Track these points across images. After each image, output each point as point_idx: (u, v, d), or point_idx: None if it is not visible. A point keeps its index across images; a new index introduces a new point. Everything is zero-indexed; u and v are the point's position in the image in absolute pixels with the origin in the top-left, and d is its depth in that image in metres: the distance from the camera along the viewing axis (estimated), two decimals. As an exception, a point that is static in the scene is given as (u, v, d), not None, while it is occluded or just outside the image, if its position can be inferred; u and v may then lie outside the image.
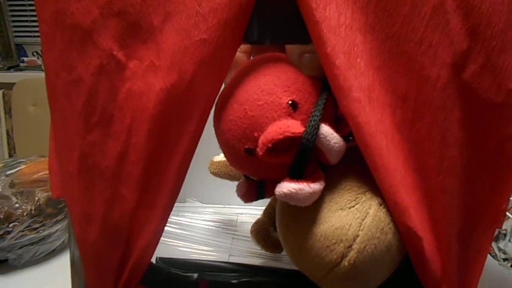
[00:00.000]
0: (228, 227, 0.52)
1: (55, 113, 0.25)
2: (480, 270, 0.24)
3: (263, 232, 0.39)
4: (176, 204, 0.25)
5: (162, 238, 0.25)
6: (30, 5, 1.92)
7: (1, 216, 0.48)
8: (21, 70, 1.91)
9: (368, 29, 0.21)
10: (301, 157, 0.23)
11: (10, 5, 1.93)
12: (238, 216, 0.56)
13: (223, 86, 0.25)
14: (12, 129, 1.43)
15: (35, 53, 2.02)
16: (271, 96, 0.23)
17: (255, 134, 0.23)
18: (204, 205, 0.60)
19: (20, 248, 0.50)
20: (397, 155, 0.22)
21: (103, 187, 0.24)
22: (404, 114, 0.21)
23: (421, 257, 0.23)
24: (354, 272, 0.23)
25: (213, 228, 0.52)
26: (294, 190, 0.23)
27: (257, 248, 0.41)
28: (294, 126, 0.22)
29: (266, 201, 0.42)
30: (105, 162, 0.23)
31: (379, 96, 0.21)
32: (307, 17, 0.21)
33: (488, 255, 0.24)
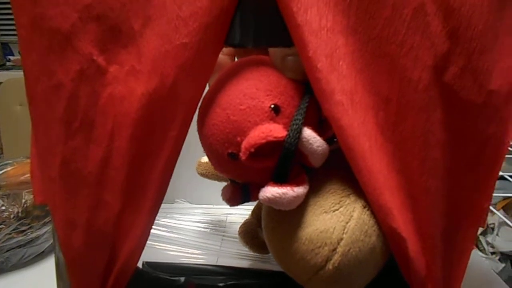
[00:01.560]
0: (217, 228, 0.52)
1: (36, 118, 0.25)
2: (464, 268, 0.25)
3: (251, 233, 0.39)
4: (164, 205, 0.25)
5: (150, 242, 0.25)
6: (15, 2, 1.89)
7: (-13, 220, 0.47)
8: (7, 69, 1.88)
9: (350, 32, 0.21)
10: (284, 161, 0.23)
11: (-5, 4, 1.90)
12: (227, 216, 0.56)
13: (206, 88, 0.25)
14: (-1, 129, 1.41)
15: (21, 52, 2.00)
16: (253, 100, 0.23)
17: (238, 139, 0.23)
18: (193, 205, 0.59)
19: (8, 251, 0.49)
20: (380, 157, 0.22)
21: (86, 193, 0.24)
22: (387, 116, 0.21)
23: (405, 258, 0.23)
24: (339, 275, 0.23)
25: (202, 229, 0.52)
26: (277, 195, 0.23)
27: (246, 250, 0.41)
28: (276, 130, 0.22)
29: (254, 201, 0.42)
30: (87, 167, 0.23)
31: (362, 99, 0.21)
32: (289, 21, 0.21)
33: (473, 252, 0.25)
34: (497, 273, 0.46)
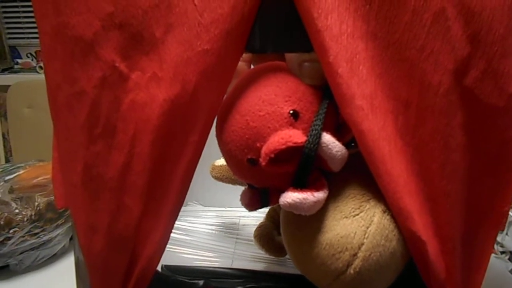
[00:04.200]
0: (230, 230, 0.52)
1: (58, 124, 0.25)
2: (484, 271, 0.25)
3: (267, 236, 0.39)
4: (178, 208, 0.25)
5: (166, 245, 0.25)
6: (23, 6, 1.90)
7: (1, 222, 0.48)
8: (15, 72, 1.90)
9: (370, 37, 0.21)
10: (303, 166, 0.23)
11: (3, 7, 1.92)
12: (240, 219, 0.56)
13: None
14: (8, 132, 1.42)
15: (29, 55, 2.01)
16: (272, 106, 0.23)
17: (258, 145, 0.23)
18: (206, 208, 0.60)
19: (21, 253, 0.50)
20: (400, 161, 0.22)
21: (108, 198, 0.24)
22: (407, 120, 0.22)
23: (425, 261, 0.23)
24: (360, 280, 0.23)
25: (216, 232, 0.52)
26: (298, 200, 0.23)
27: (260, 252, 0.41)
28: (296, 136, 0.22)
29: (268, 204, 0.43)
30: (109, 173, 0.23)
31: (382, 103, 0.21)
32: (309, 26, 0.21)
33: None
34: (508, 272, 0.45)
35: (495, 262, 0.54)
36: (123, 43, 0.21)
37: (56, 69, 0.23)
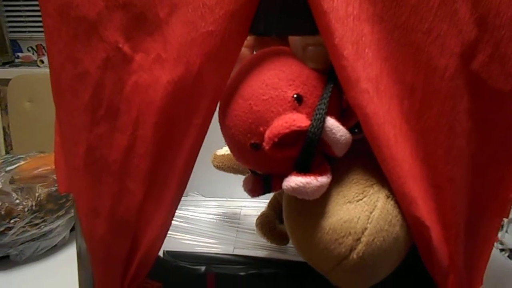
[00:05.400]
0: (232, 220, 0.52)
1: (60, 107, 0.25)
2: (487, 259, 0.25)
3: (269, 224, 0.39)
4: (178, 198, 0.25)
5: (166, 232, 0.25)
6: (24, 0, 1.90)
7: (2, 213, 0.48)
8: (16, 66, 1.90)
9: (376, 19, 0.20)
10: (307, 150, 0.23)
11: (5, 0, 1.91)
12: (241, 209, 0.56)
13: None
14: (8, 126, 1.43)
15: (30, 49, 2.01)
16: (276, 90, 0.23)
17: (261, 129, 0.23)
18: (207, 198, 0.60)
19: (22, 244, 0.50)
20: (404, 146, 0.22)
21: (110, 181, 0.24)
22: (412, 105, 0.21)
23: (428, 247, 0.23)
24: (363, 265, 0.23)
25: (217, 221, 0.52)
26: (301, 184, 0.23)
27: (261, 240, 0.41)
28: (300, 120, 0.22)
29: (269, 194, 0.43)
30: (112, 155, 0.23)
31: (387, 87, 0.21)
32: (315, 8, 0.21)
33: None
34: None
35: (497, 253, 0.54)
36: (126, 24, 0.21)
37: (60, 50, 0.23)
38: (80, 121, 0.23)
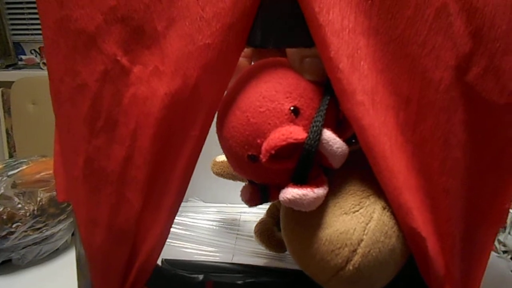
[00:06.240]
0: (231, 226, 0.53)
1: (60, 117, 0.25)
2: (483, 269, 0.25)
3: (267, 232, 0.39)
4: (178, 204, 0.25)
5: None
6: (27, 2, 1.91)
7: (4, 217, 0.48)
8: (19, 68, 1.90)
9: (372, 32, 0.21)
10: (304, 162, 0.23)
11: (8, 3, 1.92)
12: (241, 215, 0.56)
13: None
14: (11, 128, 1.43)
15: (33, 51, 2.02)
16: (273, 102, 0.23)
17: (258, 141, 0.23)
18: (207, 204, 0.60)
19: (24, 248, 0.50)
20: (400, 157, 0.22)
21: (109, 191, 0.24)
22: (407, 116, 0.21)
23: (425, 257, 0.23)
24: (359, 276, 0.23)
25: (216, 228, 0.52)
26: (298, 196, 0.23)
27: (260, 248, 0.41)
28: (296, 132, 0.22)
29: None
30: (110, 166, 0.23)
31: (383, 99, 0.21)
32: (310, 21, 0.21)
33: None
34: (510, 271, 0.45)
35: (496, 261, 0.54)
36: (125, 37, 0.21)
37: (59, 62, 0.23)
38: (79, 132, 0.24)
